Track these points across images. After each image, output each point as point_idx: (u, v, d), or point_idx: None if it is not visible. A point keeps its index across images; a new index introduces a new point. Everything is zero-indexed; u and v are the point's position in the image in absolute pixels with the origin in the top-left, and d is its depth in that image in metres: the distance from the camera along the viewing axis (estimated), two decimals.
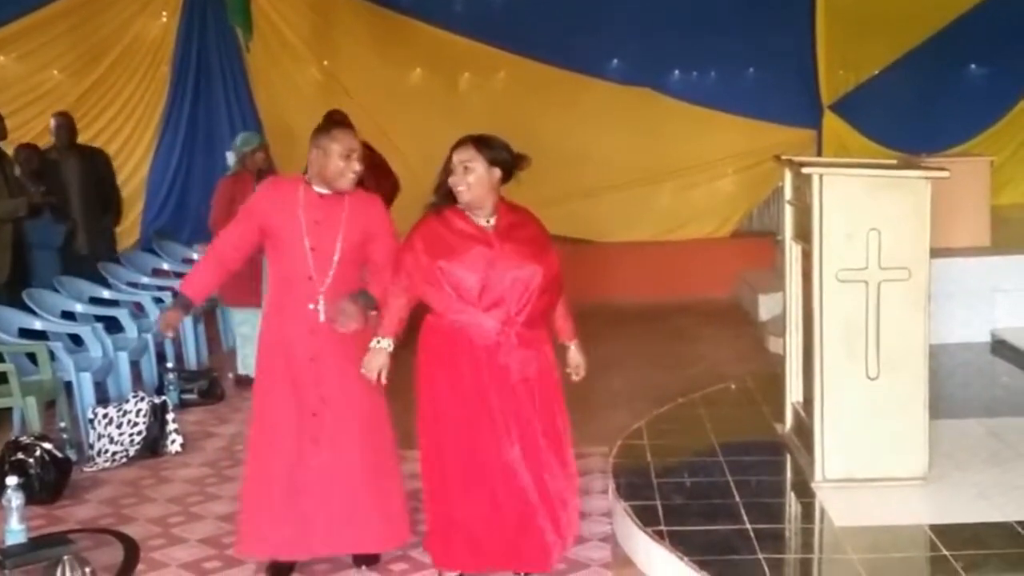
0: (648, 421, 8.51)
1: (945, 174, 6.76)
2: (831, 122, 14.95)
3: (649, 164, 14.79)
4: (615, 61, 15.13)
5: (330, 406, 6.24)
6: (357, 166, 6.24)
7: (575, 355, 6.32)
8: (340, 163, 6.20)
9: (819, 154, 14.24)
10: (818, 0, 14.78)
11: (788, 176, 7.71)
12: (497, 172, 5.91)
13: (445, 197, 5.97)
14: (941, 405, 7.55)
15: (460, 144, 5.95)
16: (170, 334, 6.76)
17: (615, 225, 14.80)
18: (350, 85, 14.82)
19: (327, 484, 6.27)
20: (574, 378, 6.28)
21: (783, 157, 7.83)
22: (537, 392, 6.01)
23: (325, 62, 15.20)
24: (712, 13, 14.45)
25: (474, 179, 5.85)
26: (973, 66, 15.34)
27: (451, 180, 5.89)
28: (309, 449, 6.24)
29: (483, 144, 5.93)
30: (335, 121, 6.41)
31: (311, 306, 6.19)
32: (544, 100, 14.74)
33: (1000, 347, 10.38)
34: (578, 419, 8.50)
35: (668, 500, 6.86)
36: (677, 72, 15.24)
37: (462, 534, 6.07)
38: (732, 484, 7.07)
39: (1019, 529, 6.22)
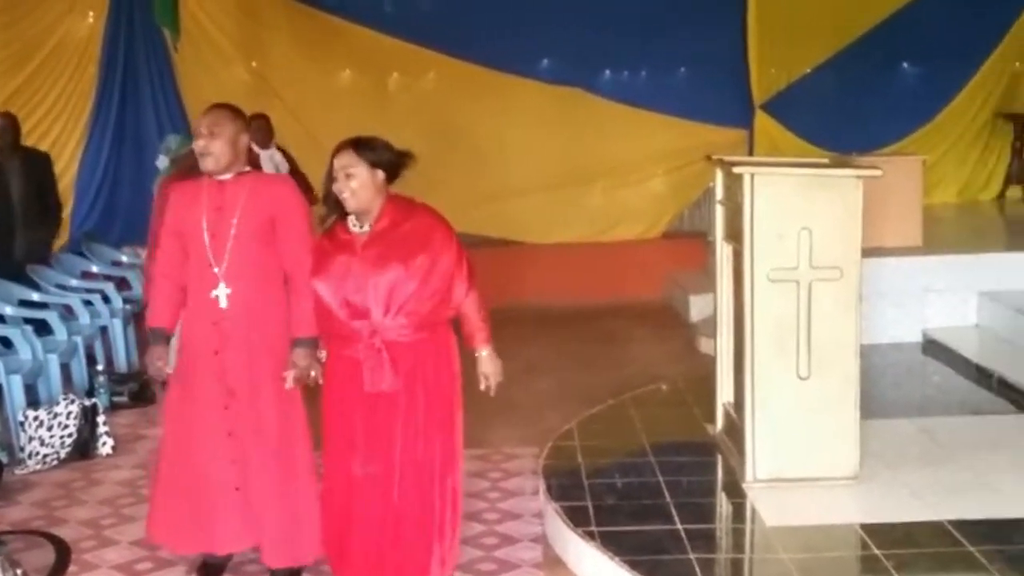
0: (579, 422, 8.50)
1: (877, 173, 6.79)
2: (763, 122, 14.99)
3: (580, 164, 14.77)
4: (545, 61, 15.08)
5: (239, 399, 6.12)
6: (213, 146, 6.04)
7: (485, 363, 5.97)
8: (200, 142, 6.09)
9: (751, 154, 14.24)
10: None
11: (719, 176, 7.71)
12: (380, 174, 5.72)
13: (334, 206, 5.81)
14: (873, 405, 7.58)
15: (340, 149, 5.77)
16: (168, 370, 6.50)
17: (546, 226, 14.74)
18: (279, 86, 14.76)
19: (242, 480, 6.18)
20: (481, 387, 6.01)
21: (714, 157, 7.85)
22: (421, 409, 5.83)
23: (253, 63, 15.10)
24: (643, 13, 14.43)
25: (357, 184, 5.67)
26: (905, 65, 15.43)
27: (335, 187, 5.72)
28: (224, 444, 6.14)
29: (363, 147, 5.74)
30: (216, 104, 6.28)
31: (212, 294, 6.06)
32: (474, 100, 14.71)
33: (931, 347, 10.44)
34: (509, 421, 8.57)
35: (599, 501, 6.87)
36: (608, 72, 15.22)
37: (336, 547, 6.02)
38: (663, 485, 7.08)
39: (950, 528, 6.26)
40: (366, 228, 5.77)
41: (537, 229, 14.76)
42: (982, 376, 9.40)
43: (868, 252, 6.89)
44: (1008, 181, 15.51)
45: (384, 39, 14.81)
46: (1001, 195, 15.54)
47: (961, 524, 6.30)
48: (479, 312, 5.94)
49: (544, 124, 14.77)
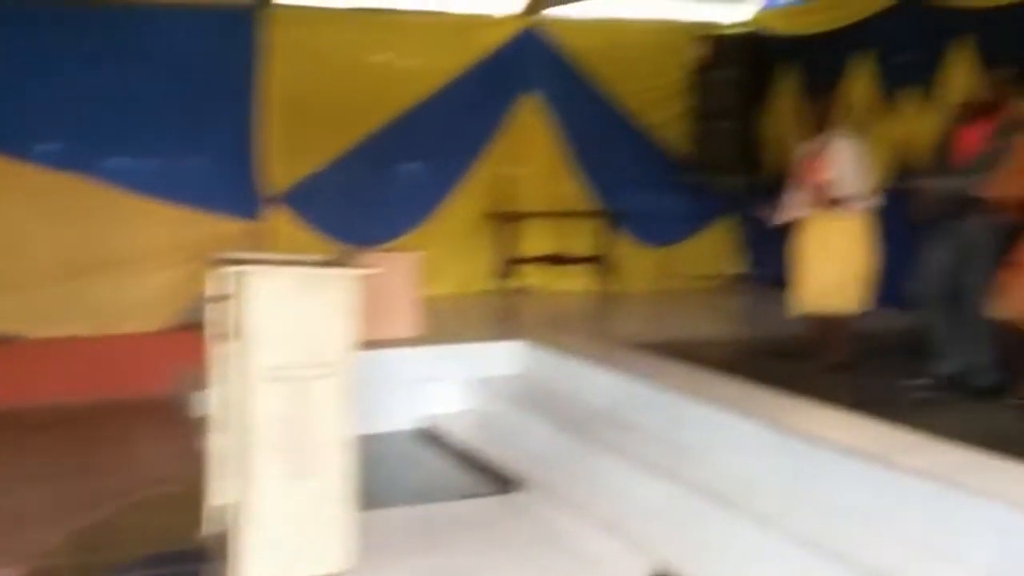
0: (69, 534, 8.22)
1: (375, 270, 7.01)
2: (274, 214, 15.01)
3: (83, 255, 14.23)
4: (45, 145, 14.40)
5: None
6: None
7: None
8: None
9: (262, 247, 14.08)
10: (264, 91, 14.85)
11: (219, 272, 7.63)
12: None
13: None
14: (371, 495, 7.61)
15: None
16: None
17: (47, 321, 14.07)
18: None
19: None
20: None
21: (217, 253, 7.85)
22: None
23: None
24: (152, 98, 14.19)
25: None
26: (411, 164, 16.04)
27: None
28: None
29: None
30: None
31: None
32: None
33: (427, 435, 10.81)
34: None
35: None
36: (113, 159, 14.58)
37: None
38: None
39: None
40: None
41: (37, 324, 14.08)
42: (472, 461, 9.81)
43: (368, 345, 7.06)
44: (498, 275, 16.43)
45: None
46: (493, 288, 16.39)
47: None
48: None
49: (45, 212, 14.16)
